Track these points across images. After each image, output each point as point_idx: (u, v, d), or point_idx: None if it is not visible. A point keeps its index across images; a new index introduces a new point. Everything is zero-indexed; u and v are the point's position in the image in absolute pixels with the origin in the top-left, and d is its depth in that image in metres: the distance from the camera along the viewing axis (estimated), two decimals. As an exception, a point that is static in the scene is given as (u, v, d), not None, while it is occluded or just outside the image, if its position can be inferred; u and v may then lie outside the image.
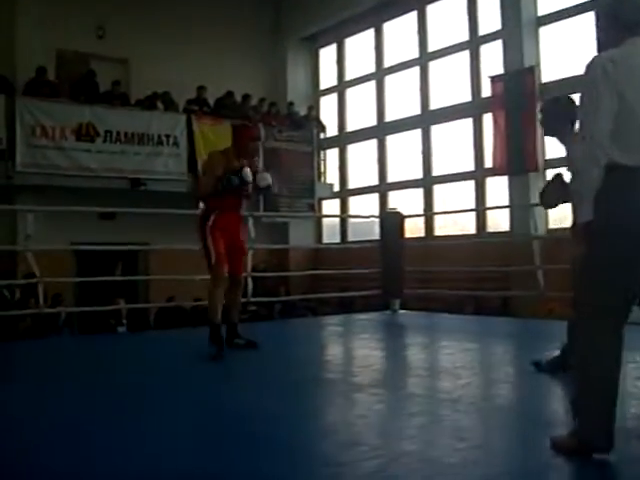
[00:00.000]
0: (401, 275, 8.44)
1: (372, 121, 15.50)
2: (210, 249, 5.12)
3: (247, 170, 5.20)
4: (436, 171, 14.11)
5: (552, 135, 3.98)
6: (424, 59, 14.51)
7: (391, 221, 8.76)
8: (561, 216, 12.16)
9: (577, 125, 2.62)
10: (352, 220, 15.77)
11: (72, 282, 11.22)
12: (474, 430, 3.17)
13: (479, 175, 13.16)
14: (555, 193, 4.10)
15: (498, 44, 12.78)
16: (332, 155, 16.22)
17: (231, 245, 5.26)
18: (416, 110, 14.58)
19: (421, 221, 13.78)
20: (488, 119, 12.86)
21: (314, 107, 16.24)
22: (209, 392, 3.92)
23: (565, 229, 10.70)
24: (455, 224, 14.20)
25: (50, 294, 9.83)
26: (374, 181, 15.34)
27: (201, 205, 5.44)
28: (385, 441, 3.07)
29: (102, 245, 9.36)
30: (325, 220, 16.57)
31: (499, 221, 12.98)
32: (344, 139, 16.25)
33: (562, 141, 3.84)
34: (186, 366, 4.78)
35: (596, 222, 2.46)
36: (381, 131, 15.19)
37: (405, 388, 4.15)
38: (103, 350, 5.82)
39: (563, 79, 11.40)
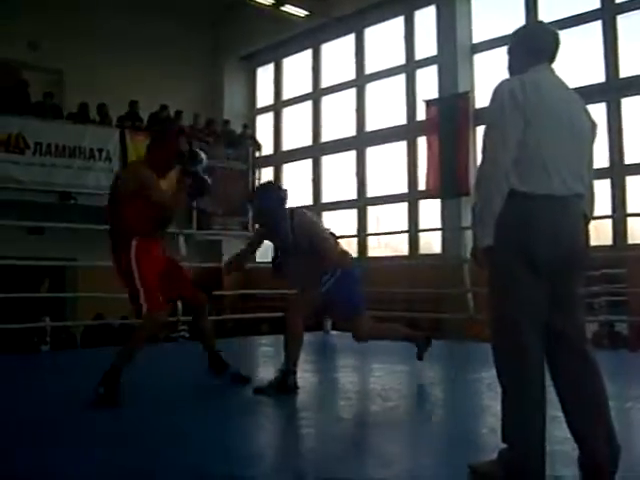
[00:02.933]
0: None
1: (308, 141, 15.55)
2: (137, 284, 4.13)
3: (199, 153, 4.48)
4: (370, 192, 14.21)
5: None
6: (361, 81, 14.65)
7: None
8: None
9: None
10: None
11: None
12: (401, 454, 3.14)
13: (412, 197, 13.30)
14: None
15: (433, 69, 13.00)
16: (267, 174, 16.18)
17: (166, 269, 4.43)
18: (352, 131, 14.68)
19: (354, 242, 13.82)
20: (422, 142, 13.02)
21: (250, 125, 16.19)
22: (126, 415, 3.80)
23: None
24: (387, 246, 14.29)
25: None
26: (308, 201, 15.34)
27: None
28: (311, 466, 3.01)
29: (29, 260, 9.08)
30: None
31: (432, 243, 13.11)
32: (280, 158, 16.25)
33: None
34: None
35: (495, 247, 2.49)
36: (317, 151, 15.23)
37: (333, 411, 4.10)
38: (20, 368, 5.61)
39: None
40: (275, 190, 4.69)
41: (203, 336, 4.69)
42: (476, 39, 12.53)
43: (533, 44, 2.68)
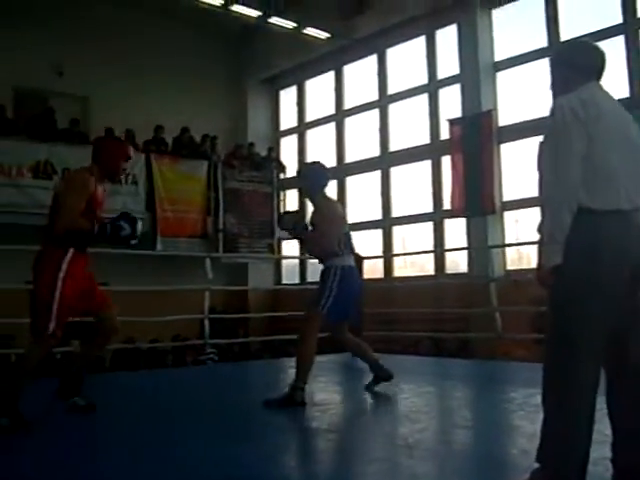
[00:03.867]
0: (360, 316, 8.41)
1: (332, 162, 15.60)
2: (52, 306, 3.97)
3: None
4: (395, 212, 14.20)
5: None
6: (384, 101, 14.69)
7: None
8: (519, 257, 12.36)
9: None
10: (312, 260, 15.72)
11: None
12: (431, 475, 3.12)
13: (437, 217, 13.26)
14: (291, 220, 5.18)
15: (456, 88, 12.99)
16: (292, 196, 16.23)
17: (84, 289, 4.27)
18: (376, 152, 14.71)
19: (380, 262, 13.79)
20: (446, 161, 13.01)
21: (274, 148, 16.28)
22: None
23: (522, 270, 10.88)
24: (413, 265, 14.25)
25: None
26: (334, 221, 15.32)
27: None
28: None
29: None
30: (284, 261, 16.51)
31: (458, 262, 13.06)
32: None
33: None
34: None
35: (564, 265, 2.47)
36: (341, 172, 15.26)
37: (362, 433, 4.09)
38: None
39: (520, 123, 11.64)
40: (319, 167, 5.21)
41: (85, 356, 4.64)
42: (498, 57, 12.52)
43: (580, 61, 2.70)
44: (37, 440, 3.76)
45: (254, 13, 13.87)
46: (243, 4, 13.48)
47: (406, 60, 14.41)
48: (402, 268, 14.19)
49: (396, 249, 14.14)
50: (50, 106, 12.93)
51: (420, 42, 13.96)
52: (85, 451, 3.62)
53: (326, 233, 4.88)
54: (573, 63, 2.71)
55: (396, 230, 14.20)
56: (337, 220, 5.00)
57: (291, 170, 16.18)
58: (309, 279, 15.30)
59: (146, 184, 12.73)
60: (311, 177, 5.14)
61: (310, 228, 5.01)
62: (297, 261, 16.02)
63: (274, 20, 14.08)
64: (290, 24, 14.13)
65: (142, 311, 7.76)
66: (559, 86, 2.75)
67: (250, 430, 4.06)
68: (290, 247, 15.87)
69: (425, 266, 13.74)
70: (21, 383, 3.96)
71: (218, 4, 13.25)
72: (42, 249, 4.19)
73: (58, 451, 3.53)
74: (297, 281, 15.78)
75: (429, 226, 13.46)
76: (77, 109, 13.88)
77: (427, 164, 13.64)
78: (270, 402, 4.60)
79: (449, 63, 13.23)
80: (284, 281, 16.21)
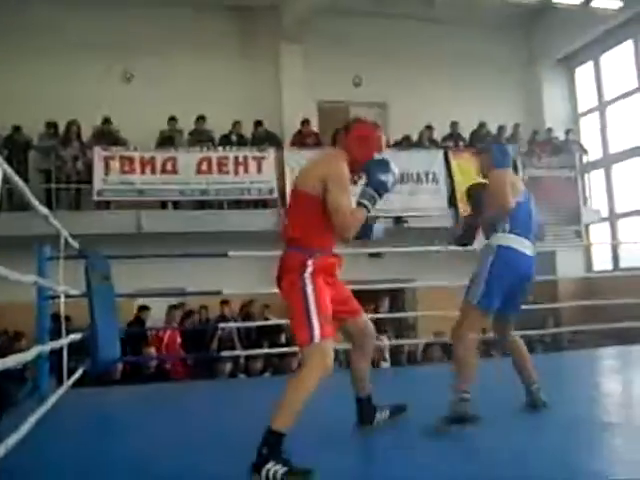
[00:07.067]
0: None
1: (638, 139, 14.59)
2: (311, 313, 3.32)
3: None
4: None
5: None
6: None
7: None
8: None
9: None
10: (625, 246, 14.85)
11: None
12: None
13: None
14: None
15: None
16: (597, 177, 15.47)
17: (338, 293, 3.68)
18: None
19: None
20: None
21: (573, 130, 15.63)
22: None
23: None
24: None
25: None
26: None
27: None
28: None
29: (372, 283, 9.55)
30: (596, 247, 15.75)
31: None
32: (609, 160, 15.44)
33: None
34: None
35: None
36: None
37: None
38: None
39: None
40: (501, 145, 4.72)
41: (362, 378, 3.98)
42: None
43: None
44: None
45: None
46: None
47: None
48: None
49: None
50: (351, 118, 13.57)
51: None
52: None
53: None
54: None
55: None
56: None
57: (593, 152, 15.45)
58: (622, 264, 14.47)
59: (447, 180, 12.91)
60: (494, 151, 4.45)
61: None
62: (609, 247, 15.23)
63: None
64: (577, 0, 13.54)
65: (448, 305, 7.94)
66: None
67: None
68: (599, 232, 15.17)
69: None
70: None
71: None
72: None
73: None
74: (609, 267, 14.98)
75: None
76: (376, 115, 14.44)
77: None
78: (438, 427, 3.89)
79: None
80: (596, 268, 15.48)
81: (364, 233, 3.67)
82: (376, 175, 3.47)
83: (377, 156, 3.60)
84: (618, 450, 3.52)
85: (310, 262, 3.41)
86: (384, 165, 3.51)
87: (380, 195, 3.47)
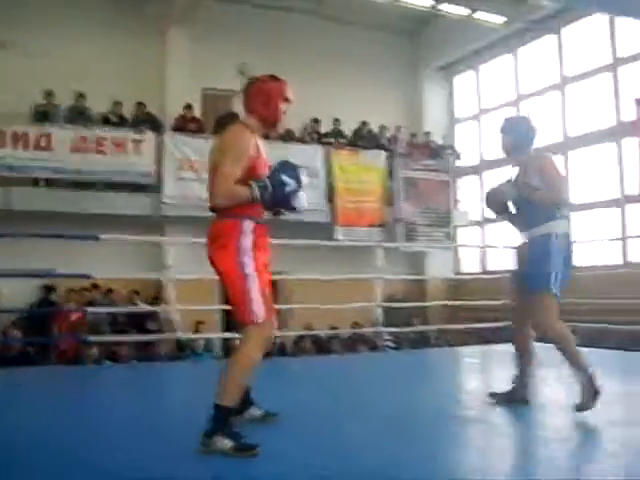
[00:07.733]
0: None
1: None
2: (249, 292, 3.34)
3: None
4: (576, 198, 13.68)
5: None
6: (563, 83, 14.19)
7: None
8: None
9: None
10: (491, 249, 15.50)
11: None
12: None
13: (622, 202, 12.68)
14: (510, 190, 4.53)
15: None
16: (469, 183, 16.07)
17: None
18: (557, 137, 14.19)
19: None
20: (629, 143, 12.39)
21: (449, 135, 16.20)
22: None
23: None
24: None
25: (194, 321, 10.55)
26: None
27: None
28: None
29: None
30: (463, 249, 16.37)
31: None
32: (482, 167, 16.07)
33: None
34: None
35: None
36: (520, 157, 14.87)
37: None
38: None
39: None
40: (525, 120, 4.69)
41: None
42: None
43: None
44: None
45: (427, 3, 13.89)
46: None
47: (585, 39, 13.78)
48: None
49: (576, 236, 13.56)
50: (234, 112, 13.50)
51: (601, 19, 13.32)
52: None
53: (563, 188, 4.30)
54: None
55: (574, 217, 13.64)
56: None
57: (466, 157, 16.02)
58: (489, 267, 15.09)
59: (325, 176, 13.07)
60: (517, 131, 4.59)
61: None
62: (477, 249, 15.86)
63: (448, 8, 14.01)
64: (464, 11, 14.00)
65: (320, 299, 8.10)
66: None
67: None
68: (467, 235, 15.75)
69: (605, 254, 13.06)
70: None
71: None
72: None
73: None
74: (477, 270, 15.59)
75: (617, 212, 12.86)
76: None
77: (608, 147, 13.05)
78: (495, 394, 4.39)
79: (631, 40, 12.59)
80: (463, 270, 16.09)
81: (283, 200, 3.52)
82: (278, 173, 3.48)
83: (290, 160, 3.61)
84: (473, 442, 3.69)
85: (244, 225, 3.43)
86: (291, 169, 3.53)
87: (276, 194, 3.44)
